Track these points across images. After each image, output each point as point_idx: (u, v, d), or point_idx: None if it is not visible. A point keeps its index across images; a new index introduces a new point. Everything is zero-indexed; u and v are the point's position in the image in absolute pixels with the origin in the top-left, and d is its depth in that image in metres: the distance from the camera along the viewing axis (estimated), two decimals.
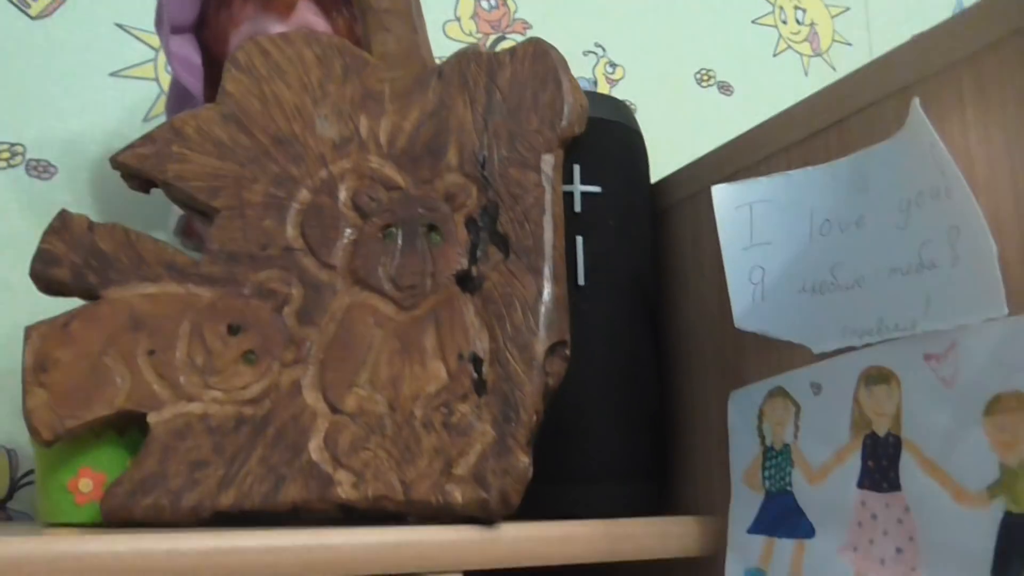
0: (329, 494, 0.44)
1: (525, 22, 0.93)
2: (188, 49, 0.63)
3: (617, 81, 0.96)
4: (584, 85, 0.94)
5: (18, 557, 0.36)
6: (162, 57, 0.78)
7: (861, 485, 0.42)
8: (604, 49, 0.96)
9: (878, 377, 0.42)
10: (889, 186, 0.42)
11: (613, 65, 0.96)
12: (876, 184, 0.43)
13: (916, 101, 0.39)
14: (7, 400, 0.67)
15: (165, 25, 0.61)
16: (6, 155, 0.71)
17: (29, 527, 0.50)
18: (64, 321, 0.47)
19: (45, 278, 0.48)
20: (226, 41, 0.63)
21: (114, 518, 0.44)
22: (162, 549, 0.38)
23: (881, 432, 0.42)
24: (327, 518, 0.45)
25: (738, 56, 1.03)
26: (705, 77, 1.00)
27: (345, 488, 0.44)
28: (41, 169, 0.72)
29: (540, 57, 0.53)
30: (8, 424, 0.67)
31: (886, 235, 0.42)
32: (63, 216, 0.49)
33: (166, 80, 0.78)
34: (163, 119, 0.77)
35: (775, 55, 1.05)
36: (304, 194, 0.50)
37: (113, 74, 0.76)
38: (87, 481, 0.47)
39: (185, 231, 0.61)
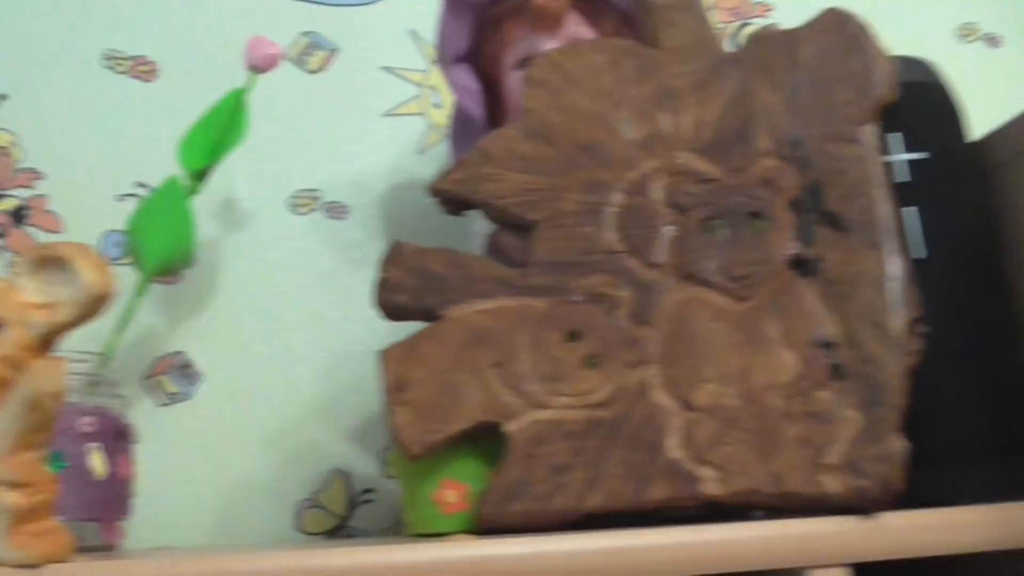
0: (695, 491, 0.44)
1: (766, 5, 0.90)
2: (466, 77, 0.66)
3: None
4: None
5: (410, 563, 0.38)
6: (426, 92, 0.82)
7: None
8: None
9: None
10: None
11: None
12: None
13: None
14: (335, 425, 0.72)
15: (447, 58, 0.64)
16: (306, 201, 0.77)
17: (392, 540, 0.54)
18: (413, 343, 0.50)
19: (390, 305, 0.51)
20: (500, 62, 0.65)
21: (488, 525, 0.46)
22: (526, 552, 0.39)
23: None
24: (692, 515, 0.44)
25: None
26: (968, 32, 0.93)
27: (711, 484, 0.44)
28: (337, 210, 0.78)
29: (840, 26, 0.51)
30: (340, 447, 0.72)
31: None
32: (396, 245, 0.52)
33: (433, 114, 0.82)
34: (435, 150, 0.81)
35: None
36: (617, 197, 0.51)
37: (386, 114, 0.81)
38: (451, 492, 0.49)
39: (489, 251, 0.63)
